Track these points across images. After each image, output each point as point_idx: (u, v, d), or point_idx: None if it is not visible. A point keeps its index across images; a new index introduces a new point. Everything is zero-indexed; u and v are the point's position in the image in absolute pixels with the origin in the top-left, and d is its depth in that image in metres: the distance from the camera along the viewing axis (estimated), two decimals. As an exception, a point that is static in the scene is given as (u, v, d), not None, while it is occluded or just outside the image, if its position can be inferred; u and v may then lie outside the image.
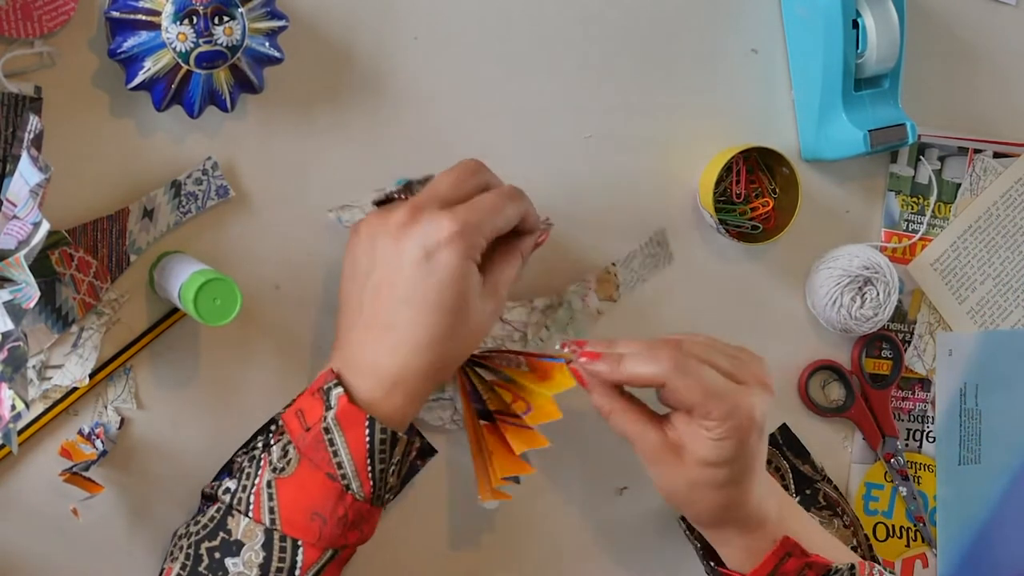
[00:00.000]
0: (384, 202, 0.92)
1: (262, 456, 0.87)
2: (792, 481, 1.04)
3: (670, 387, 0.88)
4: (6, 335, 0.79)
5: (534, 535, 1.03)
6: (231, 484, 0.87)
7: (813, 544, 0.93)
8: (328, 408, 0.86)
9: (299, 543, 0.84)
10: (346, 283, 0.90)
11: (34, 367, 0.89)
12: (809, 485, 1.04)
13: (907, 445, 1.12)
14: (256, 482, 0.86)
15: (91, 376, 0.89)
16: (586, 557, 1.04)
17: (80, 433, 0.90)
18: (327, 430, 0.85)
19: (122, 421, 0.91)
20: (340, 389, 0.86)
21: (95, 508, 0.90)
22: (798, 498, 1.03)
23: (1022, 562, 1.14)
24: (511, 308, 0.99)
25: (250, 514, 0.85)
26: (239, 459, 0.90)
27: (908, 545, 1.12)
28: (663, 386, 0.89)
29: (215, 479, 0.91)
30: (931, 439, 1.13)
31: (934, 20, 1.09)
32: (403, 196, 0.91)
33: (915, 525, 1.12)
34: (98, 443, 0.90)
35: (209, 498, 0.90)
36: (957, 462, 1.12)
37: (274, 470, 0.85)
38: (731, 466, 0.89)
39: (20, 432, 0.88)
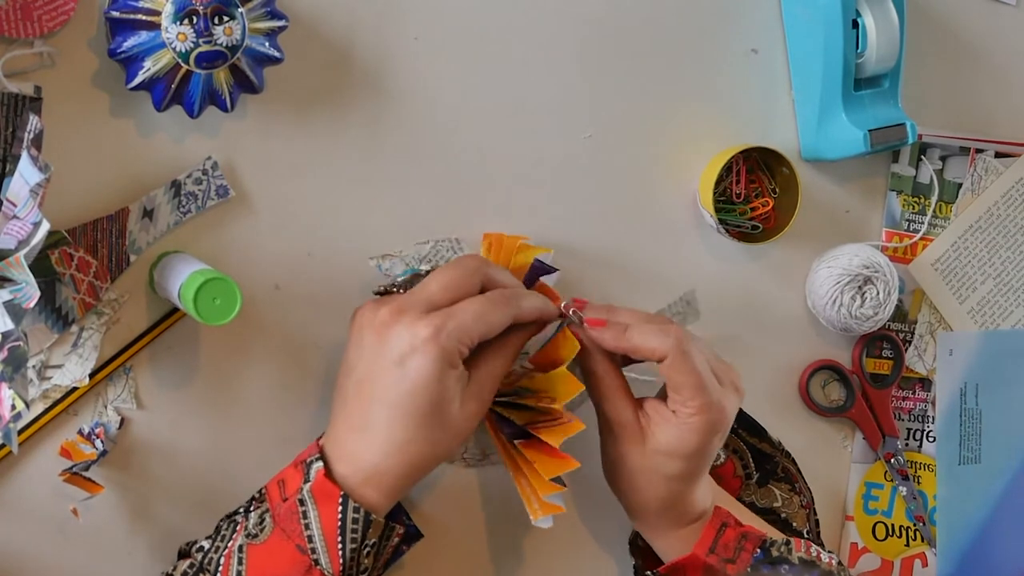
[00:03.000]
0: (384, 293, 0.92)
1: (240, 521, 0.88)
2: (751, 460, 1.04)
3: (669, 363, 0.90)
4: (6, 335, 0.79)
5: (534, 534, 1.03)
6: (205, 544, 0.88)
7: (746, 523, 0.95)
8: (306, 480, 0.86)
9: None
10: (342, 369, 0.91)
11: (34, 367, 0.89)
12: (768, 460, 1.04)
13: (907, 445, 1.12)
14: (229, 545, 0.86)
15: (91, 376, 0.89)
16: (587, 557, 1.04)
17: (80, 433, 0.90)
18: (302, 502, 0.85)
19: (122, 421, 0.91)
20: (320, 464, 0.86)
21: (95, 508, 0.90)
22: (759, 474, 1.04)
23: (1022, 562, 1.14)
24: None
25: (218, 575, 0.85)
26: (221, 523, 0.90)
27: (908, 544, 1.12)
28: (661, 361, 0.90)
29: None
30: (931, 439, 1.13)
31: (934, 20, 1.09)
32: (402, 290, 0.91)
33: (915, 524, 1.12)
34: (98, 443, 0.90)
35: (183, 555, 0.90)
36: (957, 462, 1.12)
37: (248, 535, 0.86)
38: (687, 461, 0.91)
39: (20, 432, 0.88)
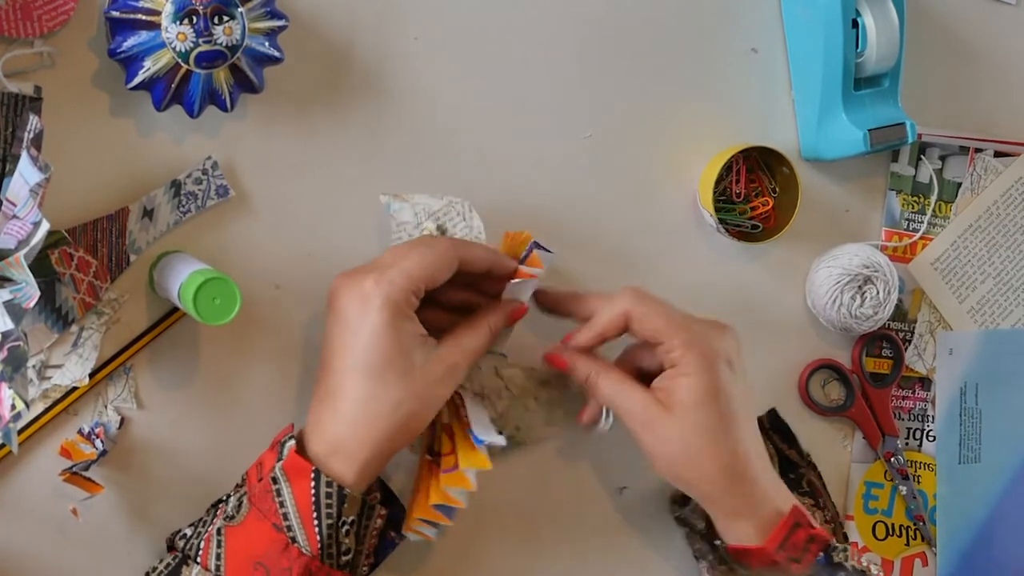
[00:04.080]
0: None
1: (220, 506, 0.88)
2: (778, 466, 1.04)
3: (635, 315, 0.91)
4: (6, 335, 0.79)
5: (535, 534, 1.03)
6: (188, 531, 0.88)
7: None
8: (280, 459, 0.86)
9: None
10: None
11: (34, 367, 0.89)
12: (794, 470, 1.04)
13: (907, 444, 1.12)
14: (208, 529, 0.86)
15: (91, 376, 0.89)
16: (587, 557, 1.04)
17: (80, 433, 0.90)
18: (275, 480, 0.85)
19: (122, 421, 0.91)
20: (292, 442, 0.86)
21: (95, 508, 0.90)
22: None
23: (1022, 561, 1.14)
24: (511, 365, 0.98)
25: (199, 560, 0.85)
26: (206, 512, 0.90)
27: (908, 544, 1.12)
28: (630, 319, 0.91)
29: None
30: (931, 438, 1.13)
31: (934, 20, 1.09)
32: None
33: (915, 524, 1.12)
34: (98, 443, 0.90)
35: (171, 546, 0.90)
36: (957, 461, 1.12)
37: (227, 518, 0.86)
38: (712, 404, 0.91)
39: (20, 432, 0.88)
